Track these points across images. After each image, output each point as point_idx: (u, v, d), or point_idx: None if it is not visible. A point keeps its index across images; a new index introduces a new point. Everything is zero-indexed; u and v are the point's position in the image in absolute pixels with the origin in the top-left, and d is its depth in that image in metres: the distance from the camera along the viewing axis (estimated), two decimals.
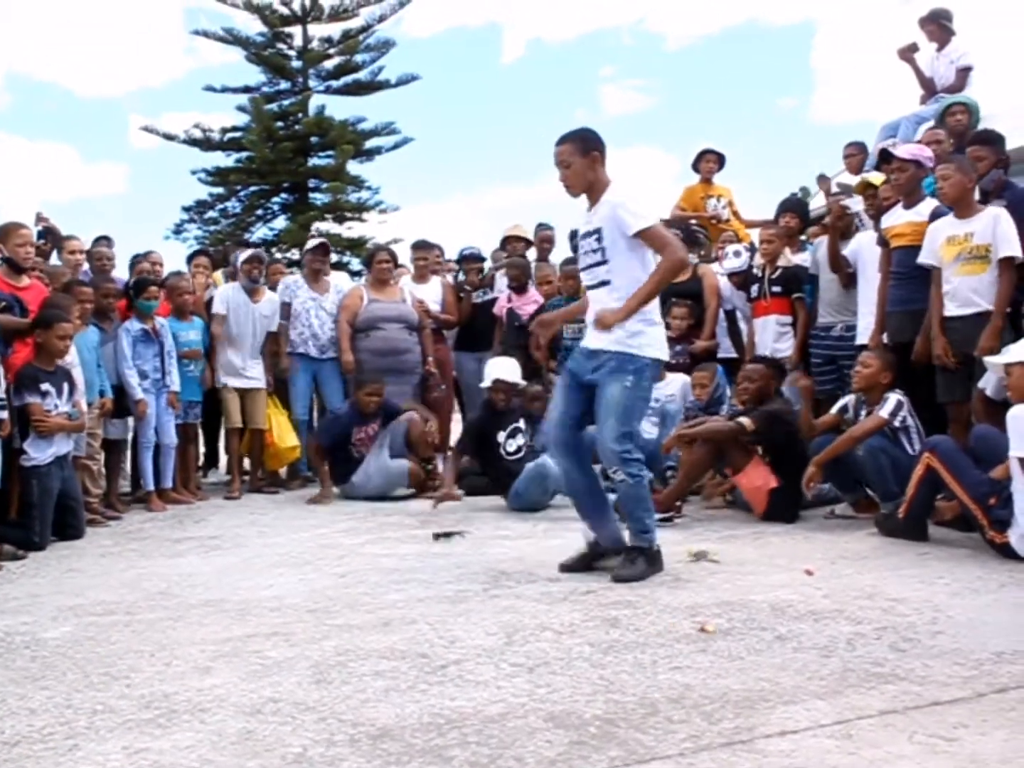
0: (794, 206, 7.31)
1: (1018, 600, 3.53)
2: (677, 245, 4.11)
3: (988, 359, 4.50)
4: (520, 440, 6.75)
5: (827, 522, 5.44)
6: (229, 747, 2.33)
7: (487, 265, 9.01)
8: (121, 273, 7.86)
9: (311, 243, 8.41)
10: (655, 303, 4.15)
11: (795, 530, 5.20)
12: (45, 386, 5.49)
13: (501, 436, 6.74)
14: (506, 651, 3.06)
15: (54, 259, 7.28)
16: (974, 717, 2.37)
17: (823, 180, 8.79)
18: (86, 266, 7.43)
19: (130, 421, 6.93)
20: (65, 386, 5.65)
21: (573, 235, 9.60)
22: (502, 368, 6.82)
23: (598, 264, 4.11)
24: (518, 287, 8.23)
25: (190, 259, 8.76)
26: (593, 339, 4.15)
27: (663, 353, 4.18)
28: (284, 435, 7.68)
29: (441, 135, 33.80)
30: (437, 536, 5.19)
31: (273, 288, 8.06)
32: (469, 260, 8.91)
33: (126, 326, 6.77)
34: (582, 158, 4.07)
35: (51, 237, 7.42)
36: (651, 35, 37.21)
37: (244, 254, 7.92)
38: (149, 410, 6.74)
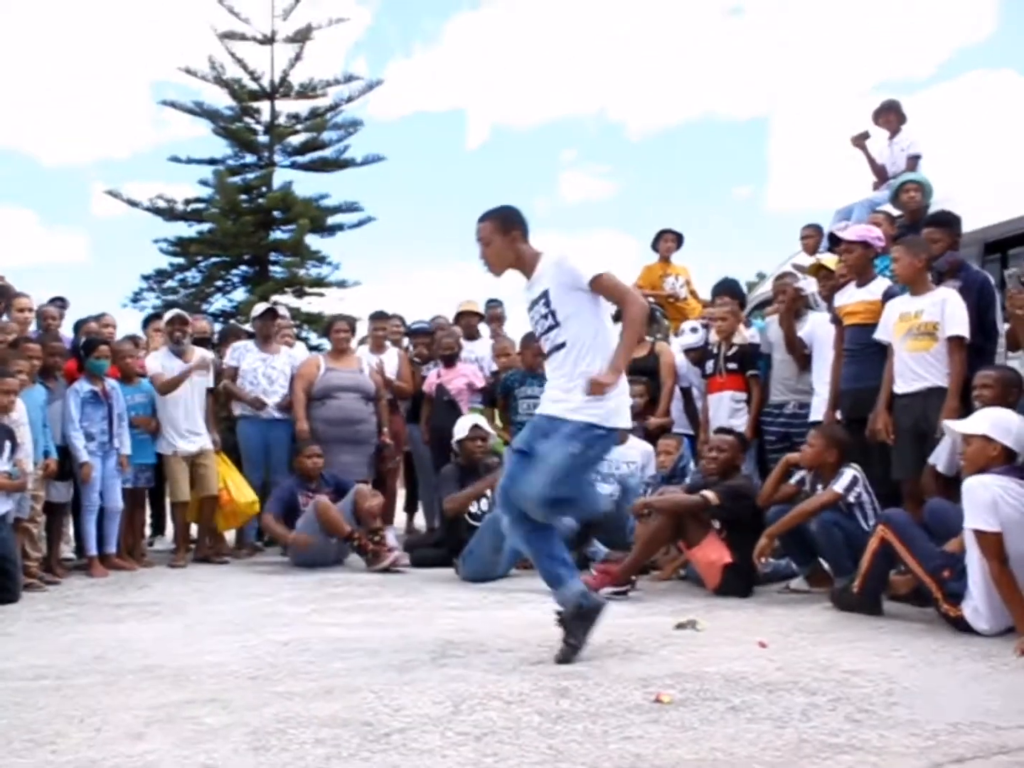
0: (728, 288, 7.37)
1: (973, 672, 3.49)
2: (635, 291, 3.98)
3: (948, 423, 4.52)
4: (483, 504, 6.66)
5: (781, 596, 5.39)
6: None
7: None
8: (67, 335, 7.75)
9: (258, 309, 8.31)
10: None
11: (748, 604, 5.15)
12: None
13: None
14: (453, 720, 2.96)
15: (3, 317, 7.15)
16: None
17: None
18: (34, 325, 7.32)
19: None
20: (7, 444, 5.51)
21: None
22: (475, 419, 6.89)
23: (550, 328, 3.92)
24: (447, 359, 8.20)
25: (146, 323, 8.67)
26: (550, 406, 3.97)
27: (625, 420, 3.99)
28: (241, 490, 7.51)
29: (405, 215, 34.11)
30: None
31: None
32: (418, 334, 8.91)
33: (75, 387, 6.65)
34: (502, 237, 3.93)
35: (3, 295, 7.30)
36: (612, 124, 38.08)
37: (167, 316, 7.87)
38: (94, 473, 6.58)
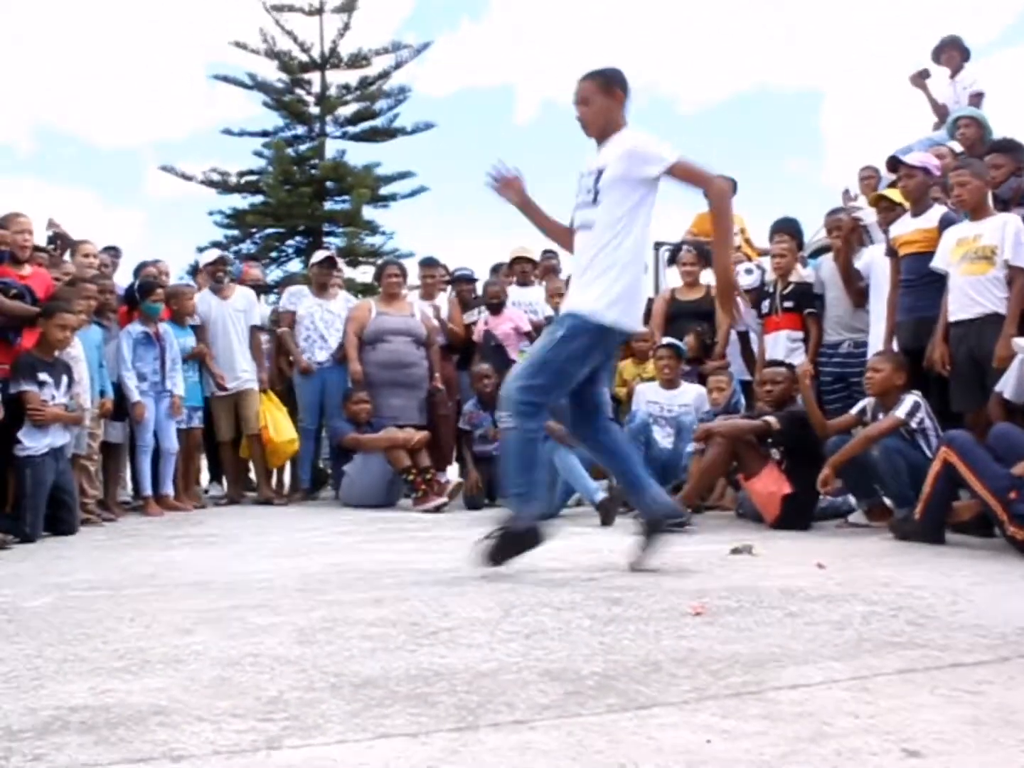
0: (786, 226, 7.20)
1: None
2: (715, 172, 3.76)
3: (1017, 340, 4.36)
4: None
5: (840, 530, 5.28)
6: (201, 690, 2.18)
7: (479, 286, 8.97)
8: (125, 282, 7.82)
9: (318, 256, 8.37)
10: (637, 271, 3.78)
11: (806, 536, 5.05)
12: (43, 375, 5.40)
13: None
14: (502, 622, 2.91)
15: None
16: (1000, 675, 2.21)
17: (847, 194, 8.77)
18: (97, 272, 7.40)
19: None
20: (64, 378, 5.56)
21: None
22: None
23: (587, 205, 3.78)
24: (494, 307, 8.13)
25: (194, 271, 8.74)
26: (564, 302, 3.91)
27: (631, 323, 3.82)
28: (280, 429, 7.57)
29: (456, 189, 33.96)
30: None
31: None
32: (461, 281, 8.87)
33: (128, 328, 6.71)
34: (604, 97, 3.81)
35: (61, 242, 7.40)
36: (663, 98, 37.44)
37: (209, 257, 7.91)
38: (148, 414, 6.65)
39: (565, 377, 3.75)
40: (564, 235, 4.03)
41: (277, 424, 7.59)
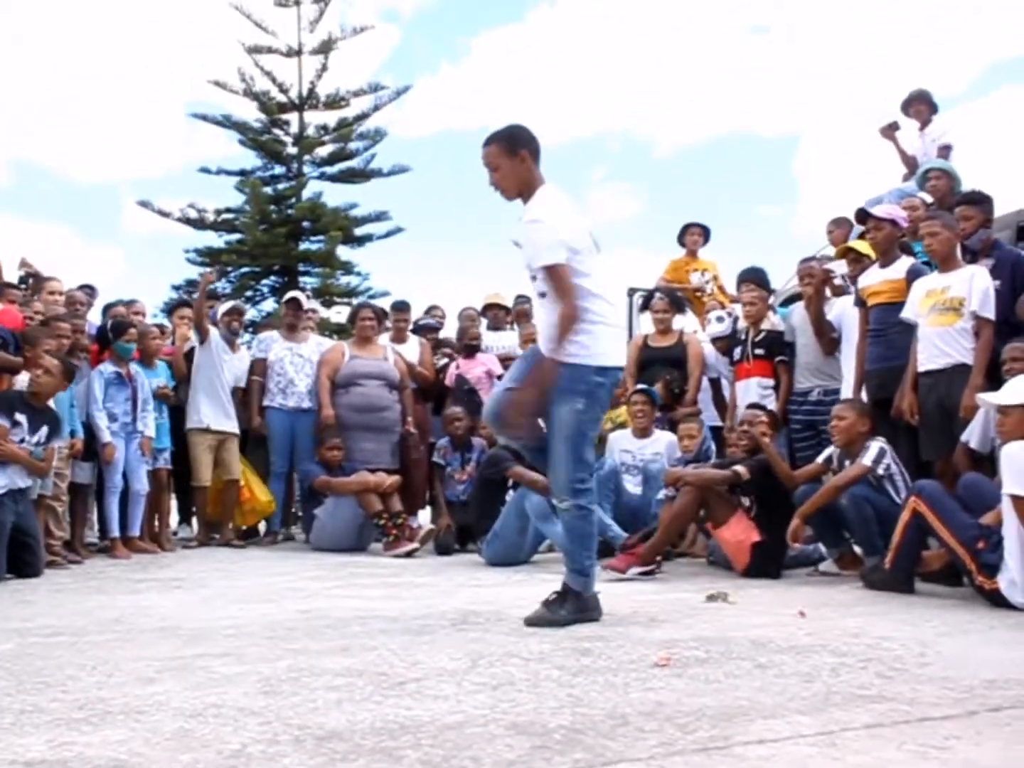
0: (752, 275, 7.26)
1: (1009, 639, 3.39)
2: (573, 296, 3.65)
3: (983, 396, 4.41)
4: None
5: (810, 578, 5.28)
6: (163, 743, 2.14)
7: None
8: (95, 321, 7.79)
9: (286, 297, 8.36)
10: (602, 307, 3.77)
11: (777, 584, 5.05)
12: (20, 416, 5.38)
13: None
14: (470, 672, 2.88)
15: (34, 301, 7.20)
16: (967, 730, 2.21)
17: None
18: (63, 310, 7.35)
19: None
20: (44, 429, 5.54)
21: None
22: None
23: (533, 277, 3.80)
24: (470, 349, 8.16)
25: (171, 310, 8.70)
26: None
27: (619, 358, 3.89)
28: (260, 489, 7.56)
29: (434, 230, 34.09)
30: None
31: None
32: (425, 331, 8.91)
33: (100, 368, 6.66)
34: (509, 159, 3.76)
35: (34, 282, 7.37)
36: (639, 142, 37.79)
37: (224, 306, 7.91)
38: (117, 454, 6.58)
39: (595, 432, 3.93)
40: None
41: (257, 484, 7.60)
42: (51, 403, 5.79)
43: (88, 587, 5.05)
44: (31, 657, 3.13)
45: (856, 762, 1.99)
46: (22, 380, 5.67)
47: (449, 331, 9.19)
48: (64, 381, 5.87)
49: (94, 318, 7.85)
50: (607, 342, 3.77)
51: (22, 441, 5.42)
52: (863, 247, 6.38)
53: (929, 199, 7.24)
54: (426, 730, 2.24)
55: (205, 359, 7.49)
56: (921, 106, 8.52)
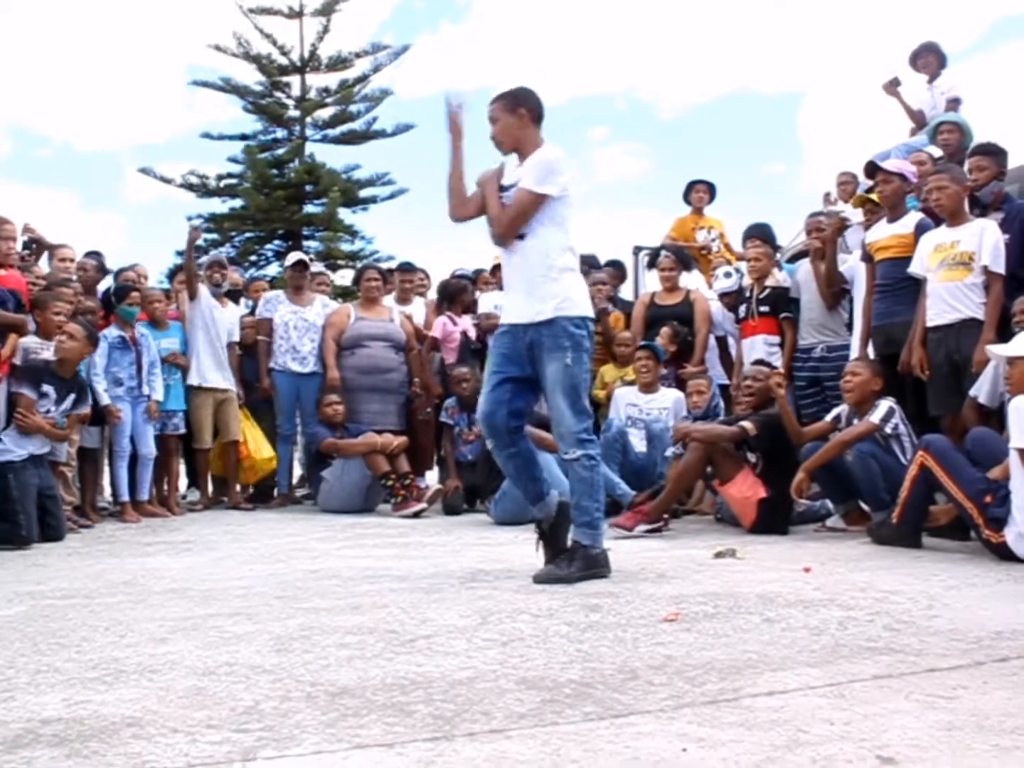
0: (758, 231, 7.23)
1: (1016, 592, 3.40)
2: (513, 229, 3.84)
3: (992, 348, 4.38)
4: None
5: (817, 534, 5.30)
6: (176, 700, 2.17)
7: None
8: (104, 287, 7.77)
9: (290, 259, 8.33)
10: (573, 260, 3.90)
11: (784, 540, 5.06)
12: (47, 388, 5.41)
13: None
14: (480, 629, 2.90)
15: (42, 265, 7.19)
16: (974, 680, 2.22)
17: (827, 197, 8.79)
18: (75, 277, 7.33)
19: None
20: (71, 398, 5.59)
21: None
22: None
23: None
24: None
25: (172, 275, 8.68)
26: (513, 314, 3.92)
27: (591, 309, 3.96)
28: (260, 447, 7.56)
29: (437, 190, 33.83)
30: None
31: (255, 305, 8.07)
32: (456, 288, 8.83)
33: (104, 333, 6.65)
34: (509, 115, 3.92)
35: (37, 247, 7.33)
36: (643, 102, 37.47)
37: (205, 259, 7.89)
38: (124, 418, 6.59)
39: (587, 380, 3.97)
40: (463, 200, 4.02)
41: (257, 441, 7.61)
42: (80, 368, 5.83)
43: (99, 551, 5.08)
44: (45, 619, 3.16)
45: (864, 712, 2.00)
46: (27, 342, 5.65)
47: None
48: (89, 345, 5.91)
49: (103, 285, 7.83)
50: (579, 293, 3.89)
51: (48, 412, 5.47)
52: (877, 197, 6.32)
53: (938, 153, 7.16)
54: (437, 685, 2.26)
55: (197, 316, 7.46)
56: (929, 58, 8.38)
